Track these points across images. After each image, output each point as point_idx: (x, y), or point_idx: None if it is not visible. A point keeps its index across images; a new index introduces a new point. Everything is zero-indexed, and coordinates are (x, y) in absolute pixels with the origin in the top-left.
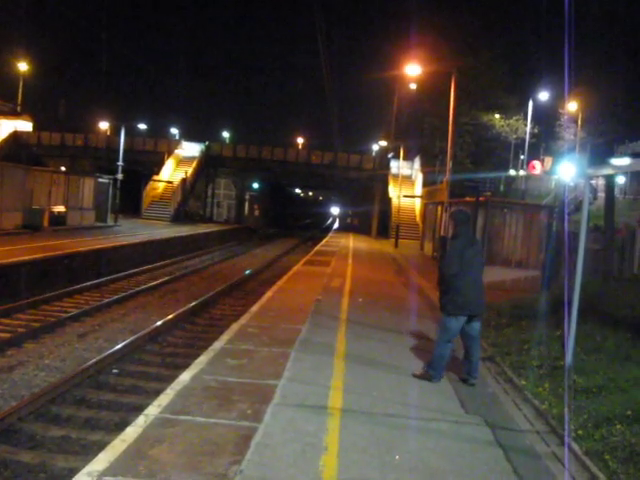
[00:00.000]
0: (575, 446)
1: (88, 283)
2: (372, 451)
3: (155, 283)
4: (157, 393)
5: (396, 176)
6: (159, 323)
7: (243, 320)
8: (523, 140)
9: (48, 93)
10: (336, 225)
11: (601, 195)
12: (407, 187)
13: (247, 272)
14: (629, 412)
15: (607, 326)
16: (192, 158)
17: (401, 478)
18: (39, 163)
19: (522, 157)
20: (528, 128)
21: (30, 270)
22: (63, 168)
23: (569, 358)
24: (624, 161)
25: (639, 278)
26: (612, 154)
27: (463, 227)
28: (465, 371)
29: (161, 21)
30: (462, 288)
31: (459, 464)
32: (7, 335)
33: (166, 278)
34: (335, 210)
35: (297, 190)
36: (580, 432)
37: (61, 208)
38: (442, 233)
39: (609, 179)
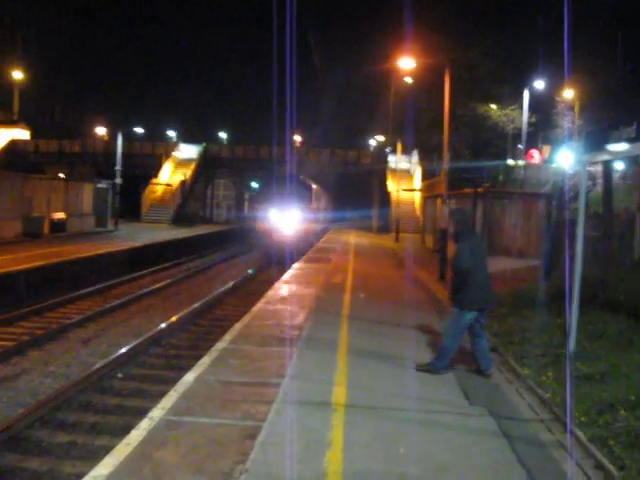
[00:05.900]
0: (579, 433)
1: (91, 288)
2: (376, 445)
3: (158, 286)
4: (161, 395)
5: (394, 170)
6: (162, 326)
7: (245, 320)
8: (521, 130)
9: (44, 101)
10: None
11: (601, 182)
12: (406, 181)
13: (249, 272)
14: (632, 397)
15: (609, 313)
16: (190, 160)
17: (406, 471)
18: (38, 171)
19: (520, 146)
20: (525, 117)
21: (32, 278)
22: (62, 175)
23: (571, 345)
24: (620, 146)
25: (639, 264)
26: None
27: (464, 225)
28: (480, 363)
29: (152, 23)
30: (475, 283)
31: (464, 455)
32: (11, 343)
33: (168, 281)
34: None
35: None
36: (584, 419)
37: (61, 215)
38: (442, 226)
39: (606, 165)
